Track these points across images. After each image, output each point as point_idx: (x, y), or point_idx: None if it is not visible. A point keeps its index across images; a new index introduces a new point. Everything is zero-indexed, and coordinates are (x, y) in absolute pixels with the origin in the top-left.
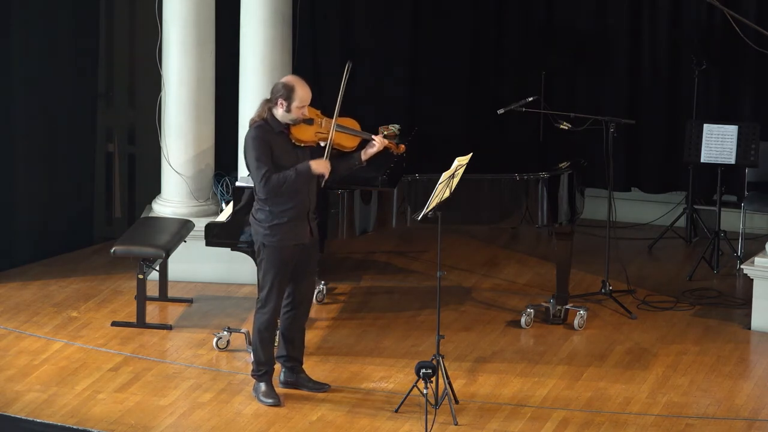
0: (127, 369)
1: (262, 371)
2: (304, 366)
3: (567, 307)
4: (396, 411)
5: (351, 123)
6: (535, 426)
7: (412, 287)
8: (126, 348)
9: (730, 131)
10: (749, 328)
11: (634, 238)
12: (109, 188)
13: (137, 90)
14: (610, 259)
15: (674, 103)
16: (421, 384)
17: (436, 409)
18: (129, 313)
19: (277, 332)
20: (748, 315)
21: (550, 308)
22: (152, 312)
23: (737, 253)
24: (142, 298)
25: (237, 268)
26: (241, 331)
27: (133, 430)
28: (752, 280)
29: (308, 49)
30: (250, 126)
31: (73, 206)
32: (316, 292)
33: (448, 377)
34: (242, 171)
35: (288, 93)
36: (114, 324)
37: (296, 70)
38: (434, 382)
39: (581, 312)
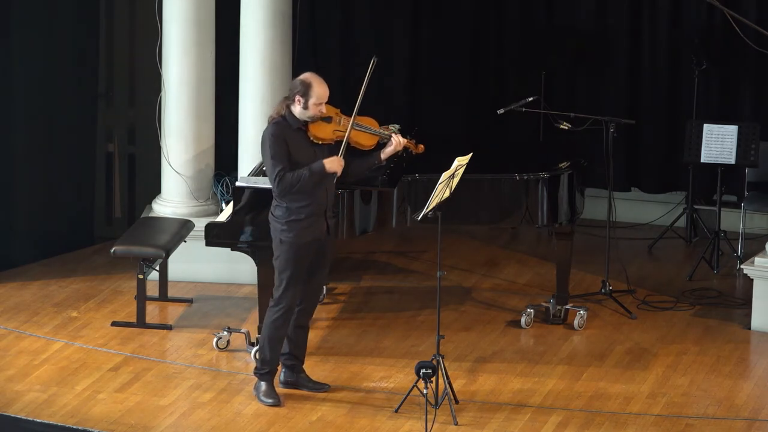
0: (127, 369)
1: (265, 370)
2: (304, 366)
3: (567, 307)
4: (396, 411)
5: (370, 122)
6: (535, 426)
7: (412, 287)
8: (126, 348)
9: (730, 131)
10: (749, 328)
11: (634, 238)
12: (109, 188)
13: (137, 90)
14: (610, 259)
15: (674, 103)
16: (421, 384)
17: (436, 409)
18: (129, 313)
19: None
20: (748, 315)
21: (550, 308)
22: (152, 312)
23: (737, 253)
24: (142, 298)
25: (237, 268)
26: (241, 331)
27: (133, 430)
28: (752, 280)
29: (308, 49)
30: (269, 123)
31: (73, 206)
32: None
33: (448, 377)
34: (242, 171)
35: (305, 90)
36: (114, 324)
37: (296, 70)
38: (434, 382)
39: (581, 312)
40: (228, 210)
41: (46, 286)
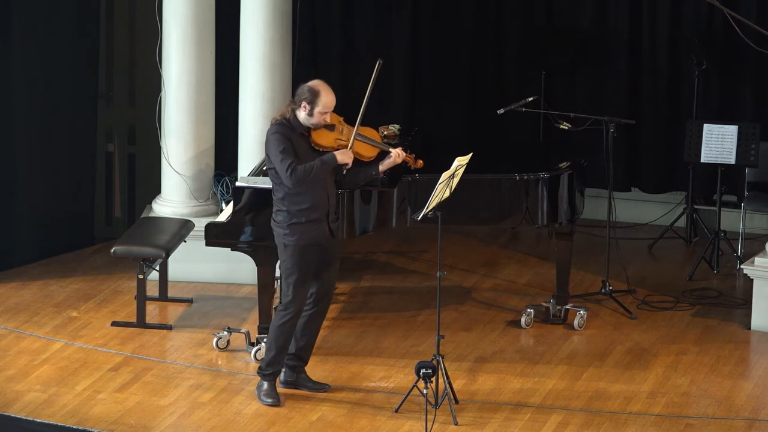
0: (127, 369)
1: (269, 371)
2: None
3: (567, 307)
4: (396, 411)
5: (371, 133)
6: (535, 426)
7: (412, 287)
8: (126, 348)
9: (730, 131)
10: (749, 328)
11: (634, 238)
12: (109, 188)
13: (137, 90)
14: (610, 259)
15: (674, 103)
16: (421, 384)
17: (436, 409)
18: (129, 313)
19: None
20: (748, 315)
21: (550, 308)
22: (152, 312)
23: (737, 253)
24: (142, 298)
25: (237, 268)
26: (241, 331)
27: (133, 430)
28: (752, 280)
29: (308, 48)
30: (272, 123)
31: (73, 206)
32: None
33: (448, 377)
34: (242, 171)
35: (312, 97)
36: (114, 324)
37: (296, 70)
38: (434, 382)
39: (581, 312)
40: (228, 210)
41: (46, 286)
